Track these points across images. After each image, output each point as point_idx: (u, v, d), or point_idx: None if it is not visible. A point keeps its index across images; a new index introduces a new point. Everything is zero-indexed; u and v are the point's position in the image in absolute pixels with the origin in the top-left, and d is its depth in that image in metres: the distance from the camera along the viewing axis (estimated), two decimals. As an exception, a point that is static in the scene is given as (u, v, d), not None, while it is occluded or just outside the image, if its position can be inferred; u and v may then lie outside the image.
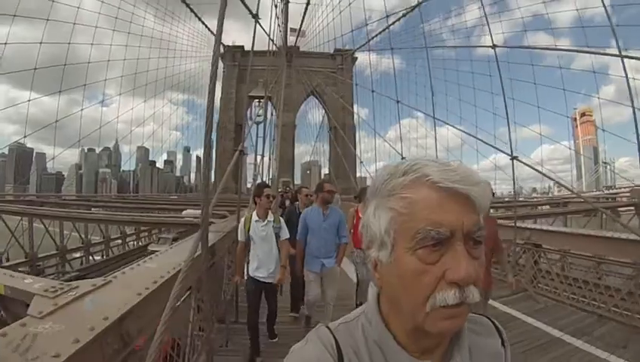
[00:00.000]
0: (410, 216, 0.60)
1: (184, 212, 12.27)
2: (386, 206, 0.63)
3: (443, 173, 0.60)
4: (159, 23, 48.68)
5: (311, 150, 64.91)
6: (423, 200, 0.60)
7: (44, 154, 75.63)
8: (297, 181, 59.26)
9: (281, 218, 4.68)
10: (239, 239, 4.53)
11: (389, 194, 0.63)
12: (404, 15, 18.68)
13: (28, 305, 1.90)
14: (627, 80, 5.86)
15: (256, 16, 3.55)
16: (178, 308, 2.34)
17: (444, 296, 0.57)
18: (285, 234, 4.55)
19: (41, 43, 34.63)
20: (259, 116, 11.05)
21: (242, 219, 4.59)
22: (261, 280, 4.36)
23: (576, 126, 70.11)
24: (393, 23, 19.02)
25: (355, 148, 43.86)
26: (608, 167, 64.99)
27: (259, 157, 11.02)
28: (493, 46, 7.57)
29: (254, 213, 4.46)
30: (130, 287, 2.08)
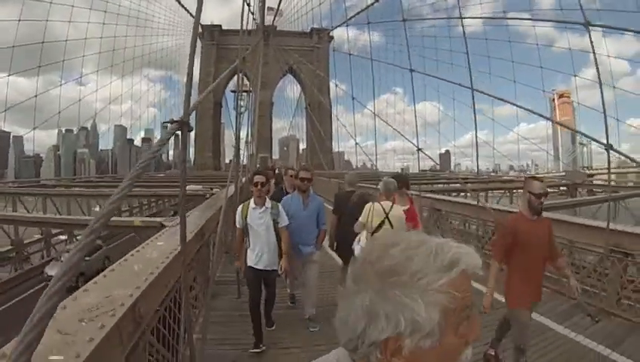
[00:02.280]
0: (457, 306, 0.65)
1: (188, 187, 14.73)
2: (433, 300, 0.64)
3: (475, 260, 0.68)
4: (135, 1, 48.97)
5: (288, 125, 67.35)
6: (463, 289, 0.66)
7: (22, 137, 74.28)
8: (275, 156, 61.81)
9: (279, 204, 4.62)
10: (237, 226, 4.58)
11: (432, 287, 0.64)
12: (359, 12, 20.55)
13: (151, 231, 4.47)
14: (473, 111, 8.24)
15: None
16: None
17: (466, 355, 0.68)
18: (284, 221, 4.51)
19: (19, 21, 35.21)
20: (241, 107, 13.26)
21: (240, 206, 4.64)
22: (261, 268, 4.41)
23: (555, 107, 71.24)
24: (354, 16, 20.89)
25: (330, 124, 46.05)
26: (585, 148, 67.55)
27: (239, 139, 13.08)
28: (411, 70, 10.16)
29: (252, 201, 4.49)
30: (200, 218, 4.69)
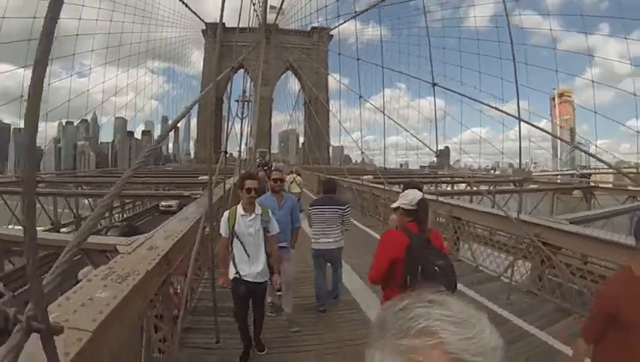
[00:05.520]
0: None
1: (200, 177, 18.56)
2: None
3: (461, 342, 0.52)
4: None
5: (288, 119, 69.31)
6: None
7: (22, 129, 74.30)
8: (275, 150, 63.41)
9: (269, 211, 4.27)
10: (222, 234, 4.14)
11: (395, 352, 0.55)
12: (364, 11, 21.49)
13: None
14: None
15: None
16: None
17: None
18: (274, 228, 4.23)
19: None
20: (242, 114, 14.67)
21: (226, 213, 4.19)
22: (251, 281, 4.02)
23: (554, 106, 71.31)
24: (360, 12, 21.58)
25: (327, 120, 47.26)
26: (584, 147, 68.60)
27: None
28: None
29: (239, 207, 4.10)
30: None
